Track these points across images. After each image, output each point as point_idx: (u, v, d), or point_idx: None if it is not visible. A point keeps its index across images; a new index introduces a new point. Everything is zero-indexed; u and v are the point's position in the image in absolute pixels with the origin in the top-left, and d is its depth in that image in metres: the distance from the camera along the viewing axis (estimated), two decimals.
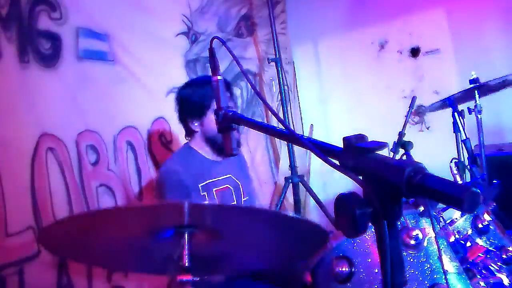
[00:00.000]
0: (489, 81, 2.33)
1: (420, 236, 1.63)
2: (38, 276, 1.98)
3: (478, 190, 0.61)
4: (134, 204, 2.21)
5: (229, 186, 2.15)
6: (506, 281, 1.61)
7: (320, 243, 1.32)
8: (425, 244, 1.65)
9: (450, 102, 2.46)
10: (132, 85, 2.55)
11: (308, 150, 0.84)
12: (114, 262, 1.40)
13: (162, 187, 2.01)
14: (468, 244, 1.72)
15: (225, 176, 2.15)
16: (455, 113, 2.50)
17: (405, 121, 2.28)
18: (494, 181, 2.02)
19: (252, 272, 2.03)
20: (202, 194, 2.01)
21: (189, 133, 2.16)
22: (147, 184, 2.58)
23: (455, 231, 1.74)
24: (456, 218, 1.80)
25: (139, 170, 2.55)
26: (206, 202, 1.21)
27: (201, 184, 2.03)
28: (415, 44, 3.59)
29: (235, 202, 2.14)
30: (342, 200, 0.69)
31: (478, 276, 1.63)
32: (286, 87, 3.46)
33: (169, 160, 2.16)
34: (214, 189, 2.07)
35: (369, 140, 0.76)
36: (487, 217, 1.81)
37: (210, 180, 2.07)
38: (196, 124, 2.10)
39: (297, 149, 3.28)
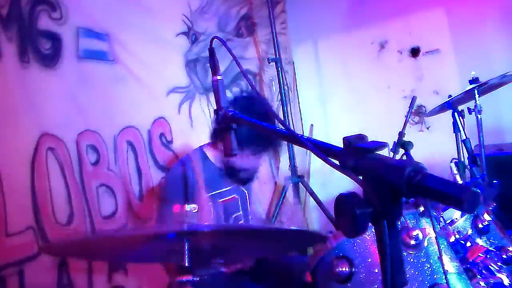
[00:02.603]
0: (488, 80, 2.33)
1: (420, 236, 1.63)
2: (38, 276, 1.98)
3: (478, 190, 0.61)
4: (139, 231, 2.18)
5: (236, 196, 2.13)
6: (506, 281, 1.61)
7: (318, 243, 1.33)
8: (425, 244, 1.65)
9: (449, 105, 2.46)
10: (132, 85, 2.55)
11: (308, 150, 0.84)
12: (114, 257, 1.41)
13: (165, 192, 2.00)
14: (468, 244, 1.72)
15: (232, 186, 2.12)
16: (455, 113, 2.50)
17: (405, 121, 2.28)
18: (494, 181, 2.02)
19: (252, 271, 2.03)
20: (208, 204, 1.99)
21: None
22: (148, 184, 2.58)
23: (455, 231, 1.74)
24: (456, 218, 1.79)
25: (139, 170, 2.55)
26: (204, 225, 1.23)
27: (207, 195, 2.00)
28: (415, 44, 3.59)
29: (240, 213, 2.13)
30: (342, 200, 0.69)
31: (478, 276, 1.63)
32: (286, 87, 3.46)
33: (178, 163, 2.13)
34: (219, 200, 2.05)
35: (369, 140, 0.76)
36: (487, 217, 1.81)
37: (217, 192, 2.05)
38: None
39: (297, 149, 3.28)
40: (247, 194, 2.19)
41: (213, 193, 2.04)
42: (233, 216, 2.11)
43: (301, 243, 1.27)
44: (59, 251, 1.20)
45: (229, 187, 2.11)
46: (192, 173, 2.00)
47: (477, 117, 2.42)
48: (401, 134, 2.19)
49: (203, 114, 3.00)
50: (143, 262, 1.58)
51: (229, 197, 2.10)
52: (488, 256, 1.68)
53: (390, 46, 3.69)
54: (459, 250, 1.71)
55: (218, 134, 1.83)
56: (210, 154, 2.10)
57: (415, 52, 3.60)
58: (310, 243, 1.27)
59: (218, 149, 2.04)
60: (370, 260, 1.64)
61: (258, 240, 1.25)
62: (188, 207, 1.23)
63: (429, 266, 1.61)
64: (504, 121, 3.22)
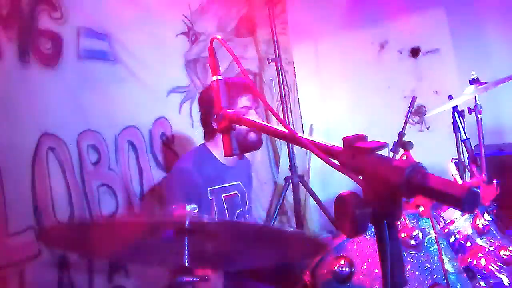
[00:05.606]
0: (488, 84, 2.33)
1: (420, 236, 1.64)
2: (39, 276, 1.98)
3: (478, 190, 0.62)
4: (137, 218, 2.19)
5: (237, 193, 2.14)
6: (506, 281, 1.62)
7: (318, 252, 1.32)
8: (425, 244, 1.65)
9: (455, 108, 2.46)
10: (132, 85, 2.56)
11: (308, 150, 0.84)
12: (114, 256, 1.40)
13: (173, 186, 2.01)
14: (468, 244, 1.72)
15: (235, 183, 2.13)
16: (455, 113, 2.50)
17: (405, 121, 2.28)
18: (494, 181, 2.02)
19: (252, 271, 2.03)
20: (210, 198, 1.99)
21: (211, 131, 2.10)
22: (149, 184, 2.58)
23: (455, 231, 1.75)
24: (456, 218, 1.80)
25: (140, 170, 2.55)
26: (205, 219, 1.22)
27: (210, 188, 2.00)
28: (415, 44, 3.59)
29: (241, 210, 2.14)
30: (342, 200, 0.69)
31: (478, 276, 1.64)
32: (286, 87, 3.46)
33: (182, 159, 2.16)
34: (223, 195, 2.06)
35: (369, 140, 0.76)
36: (487, 217, 1.81)
37: (220, 186, 2.05)
38: None
39: (297, 149, 3.28)
40: (246, 193, 2.20)
41: (217, 187, 2.03)
42: (237, 211, 2.11)
43: (302, 250, 1.26)
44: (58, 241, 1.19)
45: (232, 183, 2.12)
46: (197, 167, 1.99)
47: (477, 117, 2.42)
48: (401, 134, 2.20)
49: None
50: (142, 262, 1.57)
51: (232, 193, 2.11)
52: (488, 256, 1.68)
53: (390, 46, 3.69)
54: (459, 250, 1.71)
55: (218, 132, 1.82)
56: (214, 148, 2.10)
57: (415, 52, 3.60)
58: (311, 251, 1.26)
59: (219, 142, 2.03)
60: (370, 260, 1.64)
61: (258, 242, 1.24)
62: (188, 207, 1.23)
63: (429, 266, 1.61)
64: (504, 121, 3.22)
